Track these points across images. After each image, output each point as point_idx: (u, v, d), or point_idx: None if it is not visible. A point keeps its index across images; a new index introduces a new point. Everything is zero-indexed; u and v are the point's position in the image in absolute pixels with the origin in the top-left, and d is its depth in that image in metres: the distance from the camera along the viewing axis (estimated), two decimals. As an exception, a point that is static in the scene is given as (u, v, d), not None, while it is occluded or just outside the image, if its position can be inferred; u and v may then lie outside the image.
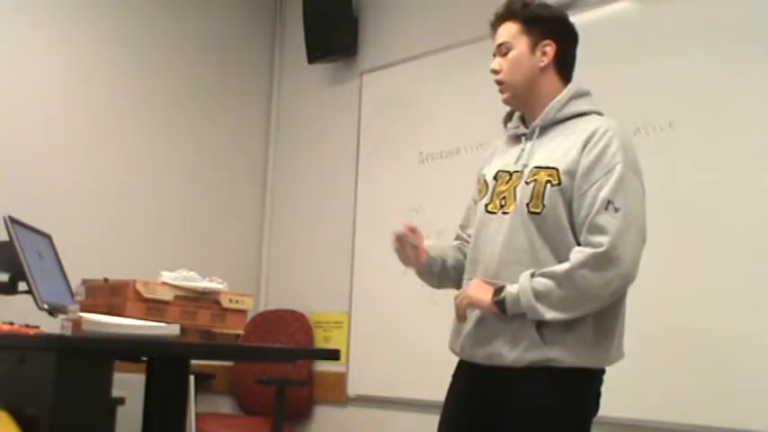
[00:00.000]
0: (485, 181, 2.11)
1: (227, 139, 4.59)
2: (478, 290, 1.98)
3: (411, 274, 2.25)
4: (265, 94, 4.81)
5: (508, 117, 2.17)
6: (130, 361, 2.37)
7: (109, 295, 2.28)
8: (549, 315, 1.87)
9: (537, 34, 2.05)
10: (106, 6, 4.14)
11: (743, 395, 2.73)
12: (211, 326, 2.37)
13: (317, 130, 4.57)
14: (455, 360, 2.12)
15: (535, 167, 1.98)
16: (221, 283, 2.40)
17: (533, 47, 2.05)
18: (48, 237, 2.81)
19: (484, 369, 1.99)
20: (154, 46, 4.31)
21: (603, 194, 1.88)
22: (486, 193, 2.08)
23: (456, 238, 2.27)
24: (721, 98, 2.93)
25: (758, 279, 2.75)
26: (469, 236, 2.16)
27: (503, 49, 2.07)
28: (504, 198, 2.02)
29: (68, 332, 2.01)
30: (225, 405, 4.42)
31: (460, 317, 2.04)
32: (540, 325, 1.90)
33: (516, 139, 2.11)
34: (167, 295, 2.28)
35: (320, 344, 4.22)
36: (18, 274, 2.44)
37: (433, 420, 2.11)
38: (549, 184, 1.94)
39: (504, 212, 2.00)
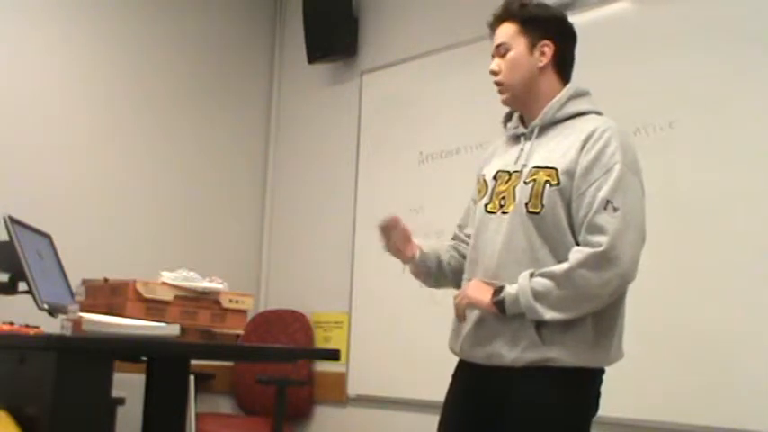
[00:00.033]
0: (484, 181, 2.11)
1: (227, 139, 4.59)
2: (478, 290, 1.98)
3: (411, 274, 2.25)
4: (265, 94, 4.81)
5: (508, 117, 2.17)
6: (130, 361, 2.37)
7: (109, 295, 2.28)
8: (549, 315, 1.87)
9: (535, 34, 2.04)
10: (106, 6, 4.14)
11: (743, 395, 2.73)
12: (211, 326, 2.37)
13: (317, 130, 4.56)
14: (455, 360, 2.12)
15: (534, 167, 1.98)
16: (221, 283, 2.40)
17: (532, 47, 2.05)
18: (48, 237, 2.81)
19: (483, 369, 1.99)
20: (154, 46, 4.31)
21: (602, 194, 1.88)
22: (485, 193, 2.08)
23: (453, 238, 2.27)
24: (721, 98, 2.93)
25: (758, 279, 2.75)
26: (467, 235, 2.17)
27: (501, 50, 2.07)
28: (503, 198, 2.02)
29: (68, 332, 2.01)
30: (225, 405, 4.42)
31: (460, 317, 2.04)
32: (540, 325, 1.90)
33: (516, 139, 2.11)
34: (167, 295, 2.28)
35: (320, 344, 4.22)
36: (18, 274, 2.44)
37: (433, 420, 2.12)
38: (547, 184, 1.94)
39: (503, 212, 2.00)
